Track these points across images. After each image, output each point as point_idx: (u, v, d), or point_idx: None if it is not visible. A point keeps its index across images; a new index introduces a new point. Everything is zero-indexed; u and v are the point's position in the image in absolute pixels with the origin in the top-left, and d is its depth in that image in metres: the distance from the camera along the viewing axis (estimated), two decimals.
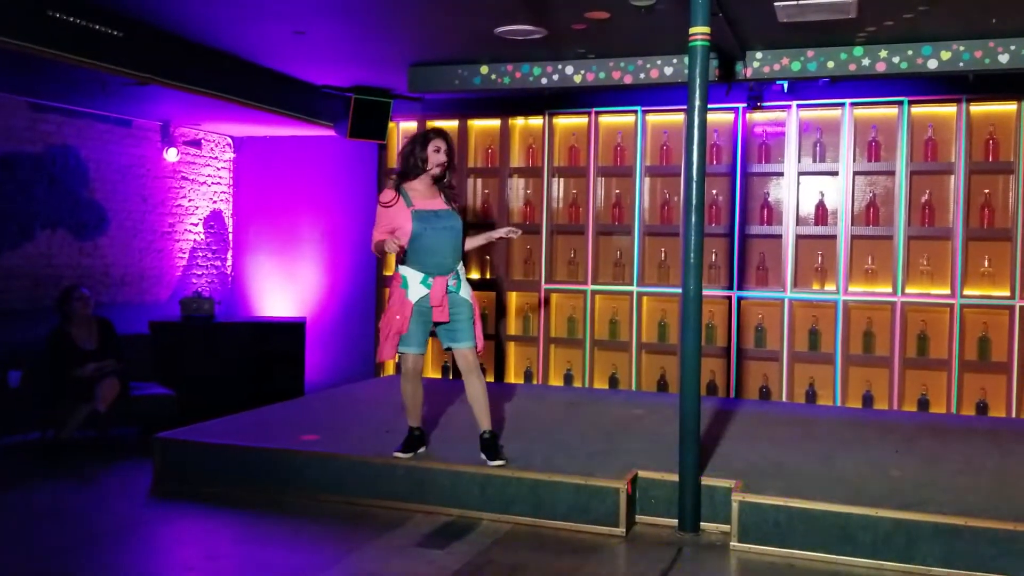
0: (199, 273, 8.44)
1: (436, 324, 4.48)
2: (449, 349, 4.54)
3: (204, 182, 8.49)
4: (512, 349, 7.57)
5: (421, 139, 4.48)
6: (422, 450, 4.67)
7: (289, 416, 5.66)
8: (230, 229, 8.86)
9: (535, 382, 7.38)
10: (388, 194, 4.46)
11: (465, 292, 4.49)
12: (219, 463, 4.83)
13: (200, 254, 8.46)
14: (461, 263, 4.53)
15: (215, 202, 8.65)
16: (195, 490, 4.76)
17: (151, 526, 4.38)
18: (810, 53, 5.78)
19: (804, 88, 6.60)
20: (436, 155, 4.42)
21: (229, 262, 8.87)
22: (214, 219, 8.64)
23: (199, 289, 8.33)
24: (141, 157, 7.68)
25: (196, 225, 8.39)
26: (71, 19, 4.92)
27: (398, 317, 4.40)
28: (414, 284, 4.40)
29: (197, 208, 8.40)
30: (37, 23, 4.76)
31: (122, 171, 7.47)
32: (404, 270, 4.44)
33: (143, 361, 6.85)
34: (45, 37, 4.80)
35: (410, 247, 4.41)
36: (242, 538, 4.17)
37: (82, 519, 4.39)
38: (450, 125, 7.67)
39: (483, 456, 4.46)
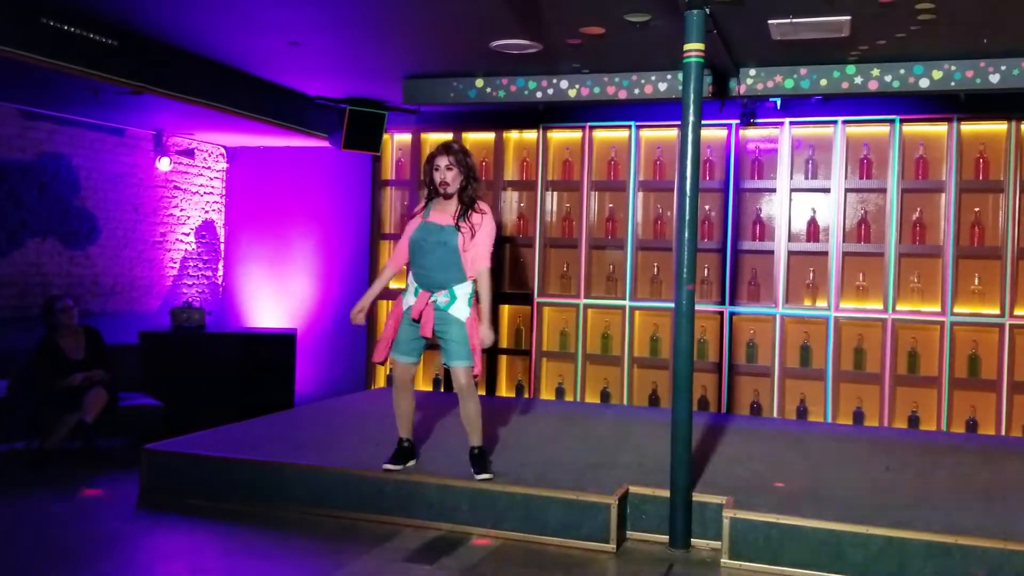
0: (190, 283, 8.40)
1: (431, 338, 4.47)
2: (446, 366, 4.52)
3: (196, 192, 8.46)
4: (504, 362, 7.55)
5: (428, 159, 4.49)
6: (412, 463, 4.64)
7: (278, 428, 5.62)
8: (222, 239, 8.83)
9: (526, 396, 7.36)
10: (419, 206, 4.58)
11: (457, 311, 4.38)
12: (207, 475, 4.80)
13: (191, 264, 8.42)
14: (466, 284, 4.41)
15: (207, 212, 8.62)
16: (182, 502, 4.72)
17: (137, 539, 4.34)
18: (803, 71, 5.82)
19: (797, 105, 6.64)
20: (436, 174, 4.41)
21: (220, 272, 8.84)
22: (206, 229, 8.61)
23: (189, 299, 8.30)
24: (133, 166, 7.66)
25: (188, 235, 8.36)
26: (65, 27, 4.91)
27: (390, 322, 4.49)
28: (408, 293, 4.48)
29: (189, 218, 8.37)
30: (30, 30, 4.74)
31: (114, 180, 7.45)
32: (408, 278, 4.53)
33: (132, 371, 6.79)
34: (38, 45, 4.79)
35: (410, 256, 4.48)
36: (229, 552, 4.13)
37: (67, 531, 4.35)
38: (444, 138, 7.67)
39: (471, 469, 4.44)
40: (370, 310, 7.77)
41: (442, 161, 4.39)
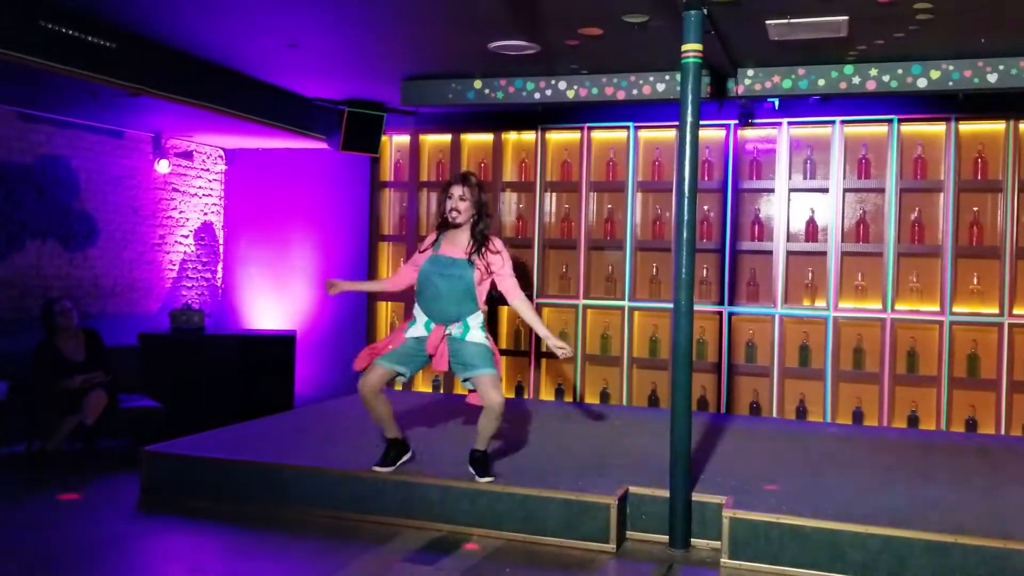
0: (189, 285, 8.41)
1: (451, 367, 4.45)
2: (468, 382, 4.43)
3: (195, 194, 8.47)
4: (503, 363, 7.54)
5: (444, 186, 4.50)
6: (407, 458, 4.64)
7: (278, 430, 5.62)
8: (221, 241, 8.84)
9: (526, 396, 7.36)
10: (428, 239, 4.58)
11: (474, 338, 4.39)
12: (207, 477, 4.80)
13: (190, 266, 8.43)
14: (478, 315, 4.41)
15: (206, 214, 8.63)
16: (182, 504, 4.73)
17: (137, 540, 4.34)
18: (801, 71, 5.82)
19: (795, 105, 6.64)
20: (448, 202, 4.42)
21: (219, 274, 8.84)
22: (205, 231, 8.61)
23: (189, 301, 8.30)
24: (132, 168, 7.66)
25: (187, 237, 8.37)
26: (63, 30, 4.91)
27: (389, 344, 4.48)
28: (418, 325, 4.45)
29: (188, 220, 8.38)
30: (29, 33, 4.75)
31: (113, 182, 7.45)
32: (416, 311, 4.51)
33: (132, 373, 6.80)
34: (37, 47, 4.80)
35: (419, 289, 4.48)
36: (229, 553, 4.13)
37: (67, 532, 4.35)
38: (443, 139, 7.69)
39: (471, 471, 4.44)
40: (369, 317, 7.82)
41: (456, 191, 4.41)
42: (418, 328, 4.45)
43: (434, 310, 4.41)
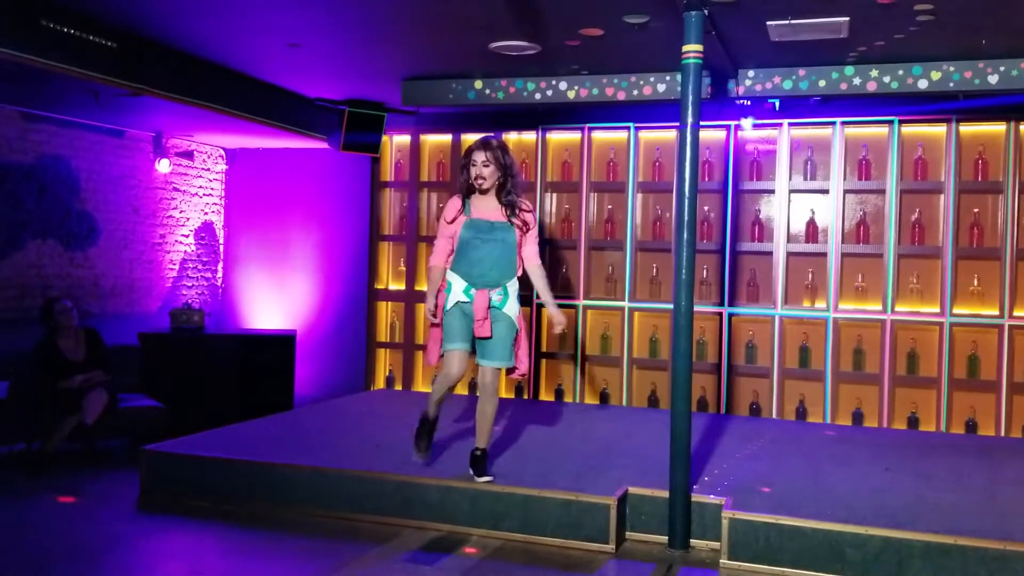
0: (189, 285, 8.41)
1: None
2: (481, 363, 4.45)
3: (196, 193, 8.47)
4: None
5: (465, 153, 4.44)
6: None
7: (278, 429, 5.63)
8: (221, 241, 8.84)
9: (526, 397, 7.36)
10: (452, 207, 4.42)
11: (511, 309, 4.38)
12: (207, 476, 4.80)
13: (191, 266, 8.43)
14: (515, 280, 4.39)
15: (207, 213, 8.63)
16: (182, 503, 4.73)
17: (137, 539, 4.34)
18: (801, 72, 5.82)
19: (795, 106, 6.63)
20: (472, 169, 4.35)
21: (220, 274, 8.84)
22: (205, 231, 8.61)
23: (189, 301, 8.30)
24: (133, 168, 7.66)
25: (187, 236, 8.37)
26: (65, 29, 4.91)
27: (439, 327, 4.42)
28: (456, 291, 4.36)
29: (188, 219, 8.38)
30: (30, 33, 4.75)
31: (114, 182, 7.45)
32: (450, 276, 4.40)
33: (132, 373, 6.80)
34: (38, 47, 4.80)
35: (457, 254, 4.39)
36: (229, 552, 4.13)
37: (67, 532, 4.35)
38: (444, 139, 7.69)
39: (471, 471, 4.45)
40: (369, 317, 7.83)
41: (479, 157, 4.34)
42: (456, 293, 4.35)
43: (474, 275, 4.33)
